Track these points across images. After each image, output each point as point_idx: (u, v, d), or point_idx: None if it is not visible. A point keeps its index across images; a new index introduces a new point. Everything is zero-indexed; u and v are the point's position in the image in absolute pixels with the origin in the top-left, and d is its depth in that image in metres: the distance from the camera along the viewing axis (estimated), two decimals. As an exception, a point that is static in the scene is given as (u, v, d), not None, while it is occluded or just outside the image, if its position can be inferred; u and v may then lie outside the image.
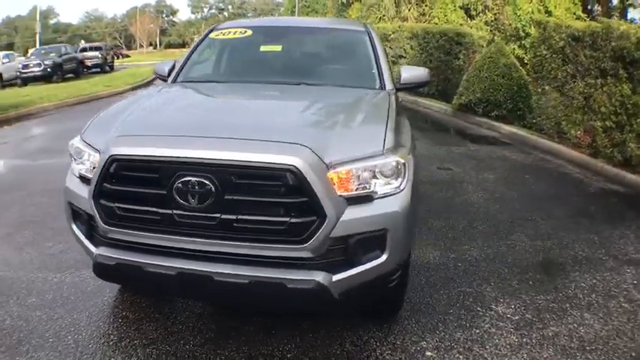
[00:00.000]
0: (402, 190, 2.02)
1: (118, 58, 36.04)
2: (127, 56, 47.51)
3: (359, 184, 1.94)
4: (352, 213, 1.92)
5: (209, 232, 1.93)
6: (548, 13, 12.44)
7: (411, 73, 3.16)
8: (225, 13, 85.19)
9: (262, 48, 3.38)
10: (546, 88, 6.58)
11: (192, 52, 3.45)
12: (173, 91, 2.94)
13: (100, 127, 2.28)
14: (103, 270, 2.13)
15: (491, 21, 12.56)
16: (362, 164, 1.94)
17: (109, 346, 2.43)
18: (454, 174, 5.66)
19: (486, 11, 12.67)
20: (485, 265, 3.38)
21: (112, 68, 24.84)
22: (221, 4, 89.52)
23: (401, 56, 11.91)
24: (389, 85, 3.03)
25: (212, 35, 3.54)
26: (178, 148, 1.92)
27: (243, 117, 2.35)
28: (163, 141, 2.01)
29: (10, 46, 53.10)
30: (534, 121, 7.09)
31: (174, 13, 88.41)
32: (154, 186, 1.94)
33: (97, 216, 2.07)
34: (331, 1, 22.93)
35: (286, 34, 3.53)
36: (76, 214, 2.30)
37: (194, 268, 1.95)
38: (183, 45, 66.85)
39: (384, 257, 1.98)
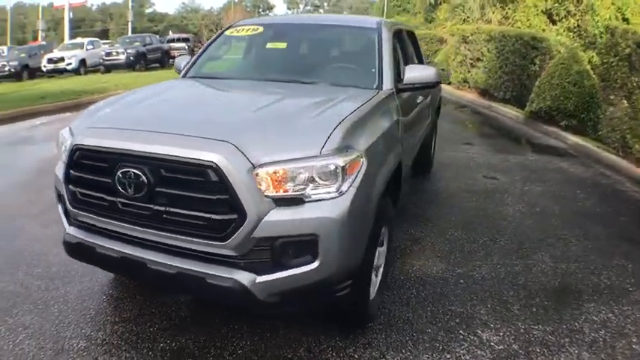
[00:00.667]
0: (342, 195, 1.90)
1: (209, 50, 37.79)
2: (220, 49, 49.78)
3: (290, 186, 1.86)
4: (279, 215, 1.85)
5: (145, 222, 2.00)
6: (626, 20, 11.07)
7: (417, 73, 2.97)
8: (321, 10, 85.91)
9: (268, 45, 3.38)
10: (612, 97, 5.85)
11: (206, 49, 3.55)
12: (165, 86, 3.04)
13: (84, 119, 2.44)
14: (68, 247, 2.30)
15: (574, 27, 11.49)
16: (294, 165, 1.86)
17: (84, 319, 2.61)
18: (498, 184, 5.24)
19: (569, 17, 11.60)
20: (491, 284, 3.09)
21: (199, 59, 26.16)
22: (317, 1, 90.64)
23: (478, 59, 11.37)
24: (387, 85, 2.87)
25: (227, 32, 3.61)
26: (120, 140, 2.02)
27: (198, 113, 2.38)
28: (111, 134, 2.12)
29: (104, 33, 56.11)
30: (600, 132, 6.35)
31: (270, 8, 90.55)
32: (103, 175, 2.05)
33: (67, 199, 2.24)
34: (420, 1, 22.66)
35: (294, 31, 3.50)
36: (60, 197, 2.49)
37: (133, 253, 2.05)
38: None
39: (315, 264, 1.89)
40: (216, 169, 1.80)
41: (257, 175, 1.85)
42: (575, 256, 3.50)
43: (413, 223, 4.09)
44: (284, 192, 1.86)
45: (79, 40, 23.86)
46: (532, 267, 3.34)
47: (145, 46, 21.42)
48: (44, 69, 19.59)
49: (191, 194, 1.88)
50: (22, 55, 20.16)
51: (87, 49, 20.73)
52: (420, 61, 4.70)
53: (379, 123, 2.40)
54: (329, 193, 1.89)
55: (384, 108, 2.61)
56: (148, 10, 73.63)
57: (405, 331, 2.56)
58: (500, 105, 10.10)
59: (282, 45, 3.32)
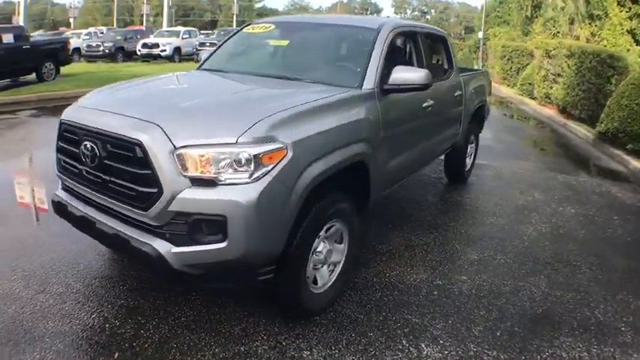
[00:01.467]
0: (254, 182, 2.01)
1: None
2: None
3: (206, 168, 2.01)
4: (192, 193, 2.01)
5: (98, 188, 2.30)
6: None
7: (404, 75, 2.92)
8: (428, 17, 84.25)
9: (272, 42, 3.55)
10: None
11: (222, 44, 3.79)
12: (165, 75, 3.36)
13: (83, 99, 2.79)
14: (53, 205, 2.68)
15: (657, 50, 10.35)
16: (212, 150, 2.01)
17: (71, 271, 2.99)
18: (531, 201, 4.91)
19: (651, 40, 10.49)
20: (465, 300, 2.94)
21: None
22: (424, 7, 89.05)
23: (559, 74, 10.69)
24: (368, 85, 2.87)
25: (245, 30, 3.83)
26: (85, 117, 2.36)
27: (157, 98, 2.62)
28: (84, 111, 2.47)
29: (213, 24, 59.59)
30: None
31: (378, 11, 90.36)
32: (74, 146, 2.39)
33: (56, 165, 2.61)
34: (517, 14, 21.97)
35: (299, 30, 3.63)
36: None
37: (88, 213, 2.37)
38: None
39: (224, 243, 2.02)
40: (142, 147, 2.04)
41: (178, 155, 2.03)
42: (576, 284, 3.20)
43: (417, 229, 4.00)
44: (199, 173, 2.02)
45: (176, 28, 25.53)
46: (521, 290, 3.12)
47: (239, 39, 22.52)
48: (139, 53, 21.28)
49: (125, 167, 2.14)
50: (118, 37, 22.01)
51: (182, 38, 22.07)
52: (450, 67, 4.53)
53: (329, 119, 2.41)
54: (241, 179, 2.01)
55: (347, 106, 2.62)
56: (258, 5, 76.07)
57: (346, 330, 2.56)
58: (575, 123, 9.45)
59: (285, 43, 3.46)
